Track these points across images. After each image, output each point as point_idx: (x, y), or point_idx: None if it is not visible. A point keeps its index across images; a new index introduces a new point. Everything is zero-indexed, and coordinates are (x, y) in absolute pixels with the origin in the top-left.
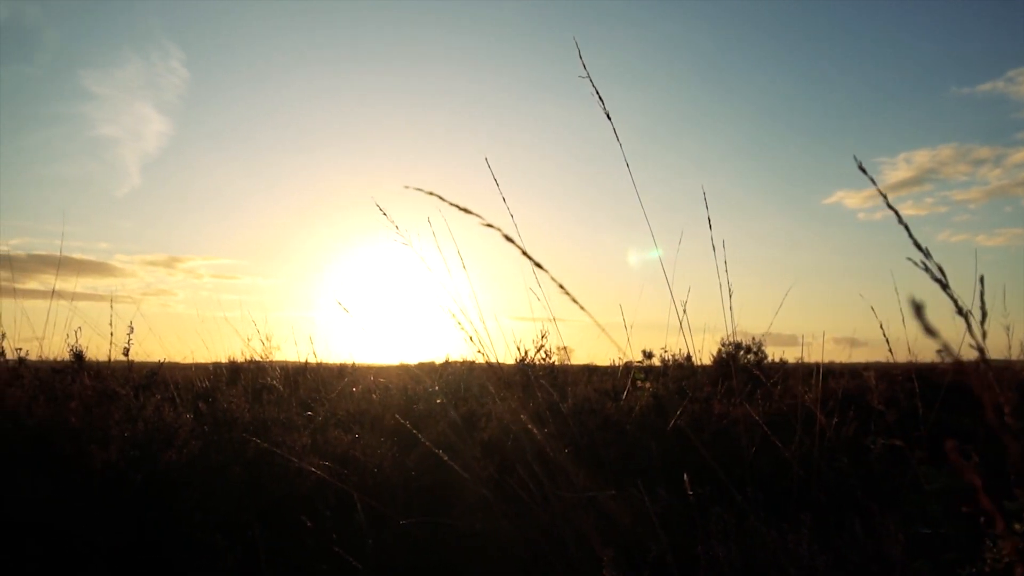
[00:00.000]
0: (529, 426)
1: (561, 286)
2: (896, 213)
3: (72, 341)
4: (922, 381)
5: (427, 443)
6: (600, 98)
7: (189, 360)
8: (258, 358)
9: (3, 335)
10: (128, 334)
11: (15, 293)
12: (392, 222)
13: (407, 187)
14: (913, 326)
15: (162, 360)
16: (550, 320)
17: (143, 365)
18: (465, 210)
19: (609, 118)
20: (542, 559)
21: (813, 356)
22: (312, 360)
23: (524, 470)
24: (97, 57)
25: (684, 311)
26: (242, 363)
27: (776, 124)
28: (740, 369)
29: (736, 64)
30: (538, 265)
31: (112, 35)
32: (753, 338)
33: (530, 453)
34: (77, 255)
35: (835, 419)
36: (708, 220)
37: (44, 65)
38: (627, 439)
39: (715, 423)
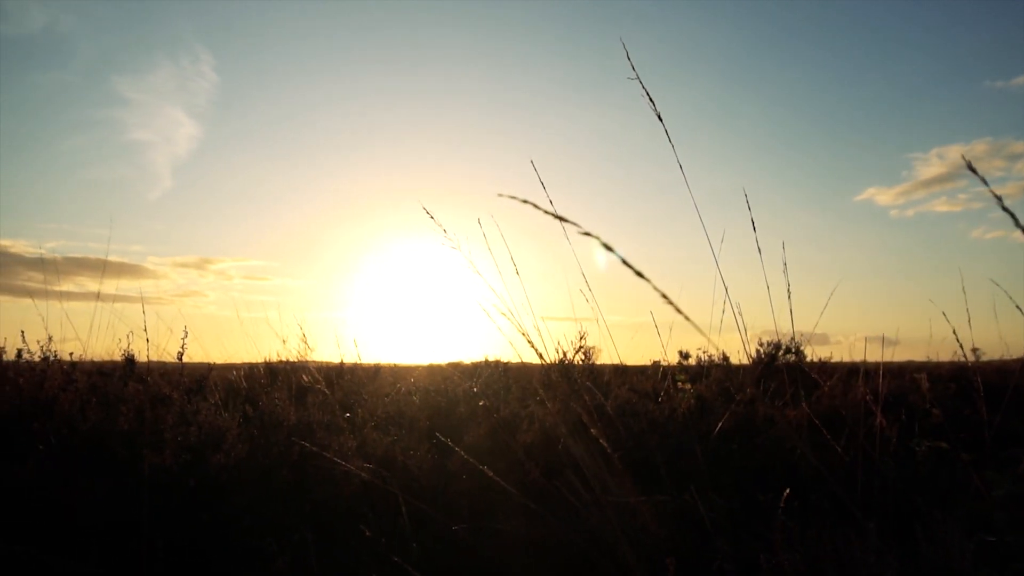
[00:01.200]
0: (574, 428)
1: (664, 296)
2: (1012, 216)
3: (124, 345)
4: (967, 382)
5: (468, 446)
6: (651, 99)
7: (225, 361)
8: (294, 359)
9: (49, 338)
10: (182, 338)
11: (58, 296)
12: (440, 225)
13: (500, 195)
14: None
15: (212, 363)
16: (576, 320)
17: (185, 367)
18: (561, 218)
19: (661, 119)
20: (594, 565)
21: (847, 355)
22: (349, 361)
23: (572, 474)
24: (130, 63)
25: (738, 311)
26: (279, 364)
27: (804, 120)
28: (780, 369)
29: (761, 60)
30: (639, 274)
31: (145, 41)
32: (792, 338)
33: (575, 456)
34: (112, 257)
35: (877, 420)
36: (752, 222)
37: (80, 71)
38: (672, 442)
39: (761, 426)
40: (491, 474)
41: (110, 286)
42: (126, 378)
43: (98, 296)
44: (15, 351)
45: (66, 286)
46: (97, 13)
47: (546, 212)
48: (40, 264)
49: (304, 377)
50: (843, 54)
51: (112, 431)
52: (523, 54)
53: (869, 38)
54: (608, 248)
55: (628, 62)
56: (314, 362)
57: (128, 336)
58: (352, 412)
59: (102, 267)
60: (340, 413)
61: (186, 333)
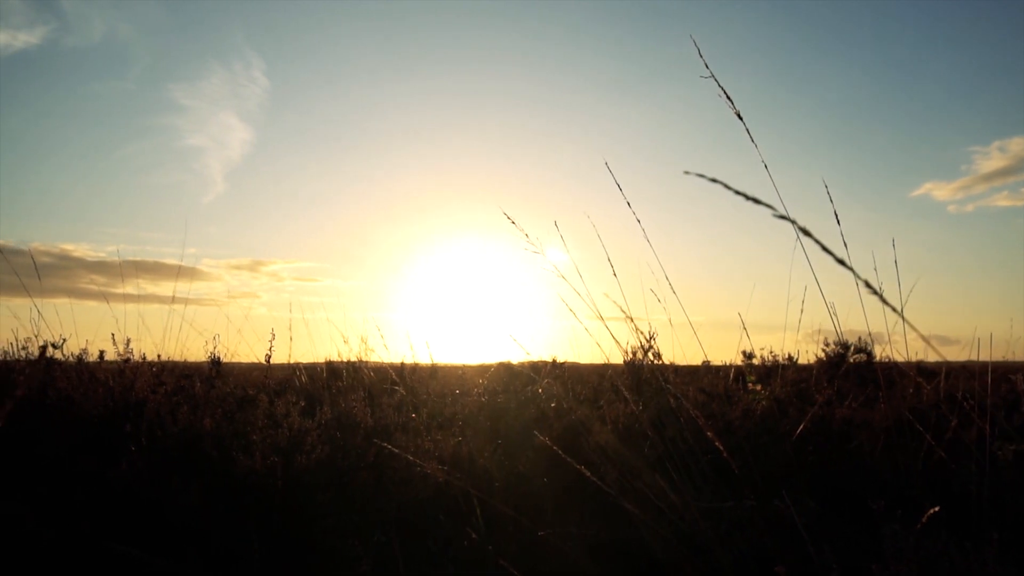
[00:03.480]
0: (650, 429)
1: (868, 284)
2: None
3: (209, 348)
4: None
5: (540, 448)
6: (728, 97)
7: (283, 361)
8: (354, 359)
9: (128, 340)
10: (270, 340)
11: (121, 298)
12: (522, 230)
13: (687, 172)
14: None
15: (297, 362)
16: (638, 320)
17: (252, 367)
18: (754, 200)
19: (740, 118)
20: (680, 569)
21: (905, 354)
22: (410, 362)
23: (659, 476)
24: (185, 70)
25: (833, 312)
26: (340, 364)
27: (859, 114)
28: (850, 369)
29: (814, 53)
30: (841, 262)
31: (198, 49)
32: (860, 338)
33: (652, 459)
34: (168, 260)
35: (953, 421)
36: (835, 215)
37: (137, 80)
38: (751, 445)
39: (839, 428)
40: (589, 474)
41: (168, 288)
42: (212, 379)
43: (172, 299)
44: (97, 352)
45: (127, 288)
46: (153, 23)
47: (736, 192)
48: (101, 267)
49: (368, 375)
50: (899, 46)
51: (202, 433)
52: (574, 54)
53: (926, 29)
54: (806, 233)
55: (701, 60)
56: (373, 363)
57: (215, 338)
58: (417, 413)
59: (178, 272)
60: (408, 414)
61: (273, 336)
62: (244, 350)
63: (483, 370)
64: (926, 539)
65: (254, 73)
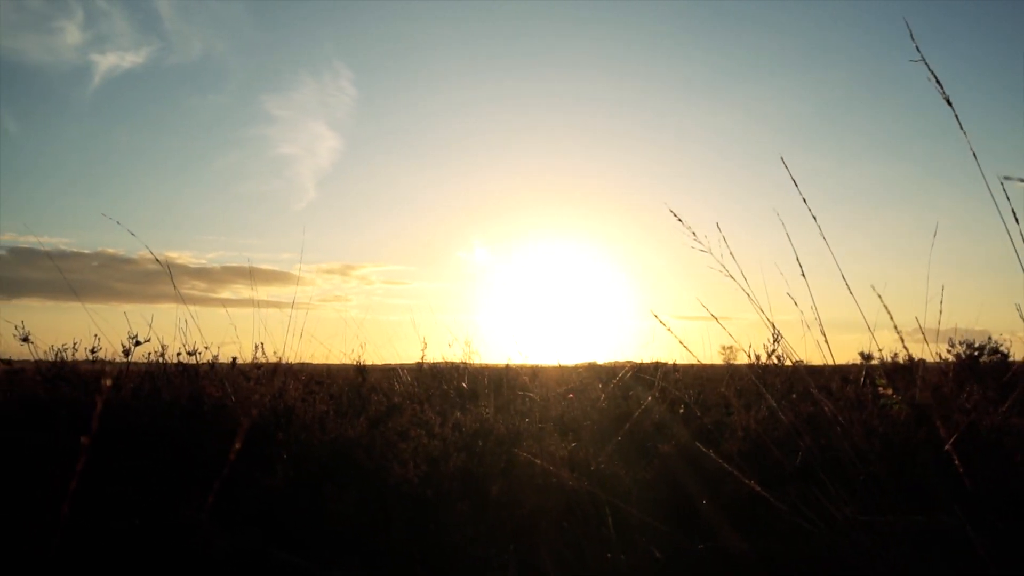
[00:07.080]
0: (787, 436)
1: None
2: None
3: (357, 355)
4: None
5: (665, 455)
6: (938, 82)
7: (381, 362)
8: (458, 361)
9: (261, 344)
10: (422, 349)
11: (219, 303)
12: (688, 227)
13: (1008, 178)
14: None
15: (461, 363)
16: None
17: (372, 369)
18: None
19: (949, 103)
20: None
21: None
22: (515, 364)
23: (806, 485)
24: (276, 83)
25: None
26: (443, 366)
27: (952, 95)
28: (985, 371)
29: (902, 35)
30: None
31: (289, 61)
32: (990, 337)
33: (791, 468)
34: (265, 265)
35: None
36: (1013, 212)
37: (232, 93)
38: (895, 453)
39: (987, 436)
40: (755, 486)
41: (264, 293)
42: (359, 387)
43: (293, 304)
44: (230, 358)
45: (224, 293)
46: (247, 39)
47: None
48: (202, 273)
49: (482, 378)
50: (993, 15)
51: (350, 441)
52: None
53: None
54: None
55: (912, 43)
56: (475, 365)
57: (362, 346)
58: (530, 417)
59: (298, 280)
60: (532, 419)
61: (425, 345)
62: (366, 353)
63: (574, 371)
64: None
65: (342, 83)
